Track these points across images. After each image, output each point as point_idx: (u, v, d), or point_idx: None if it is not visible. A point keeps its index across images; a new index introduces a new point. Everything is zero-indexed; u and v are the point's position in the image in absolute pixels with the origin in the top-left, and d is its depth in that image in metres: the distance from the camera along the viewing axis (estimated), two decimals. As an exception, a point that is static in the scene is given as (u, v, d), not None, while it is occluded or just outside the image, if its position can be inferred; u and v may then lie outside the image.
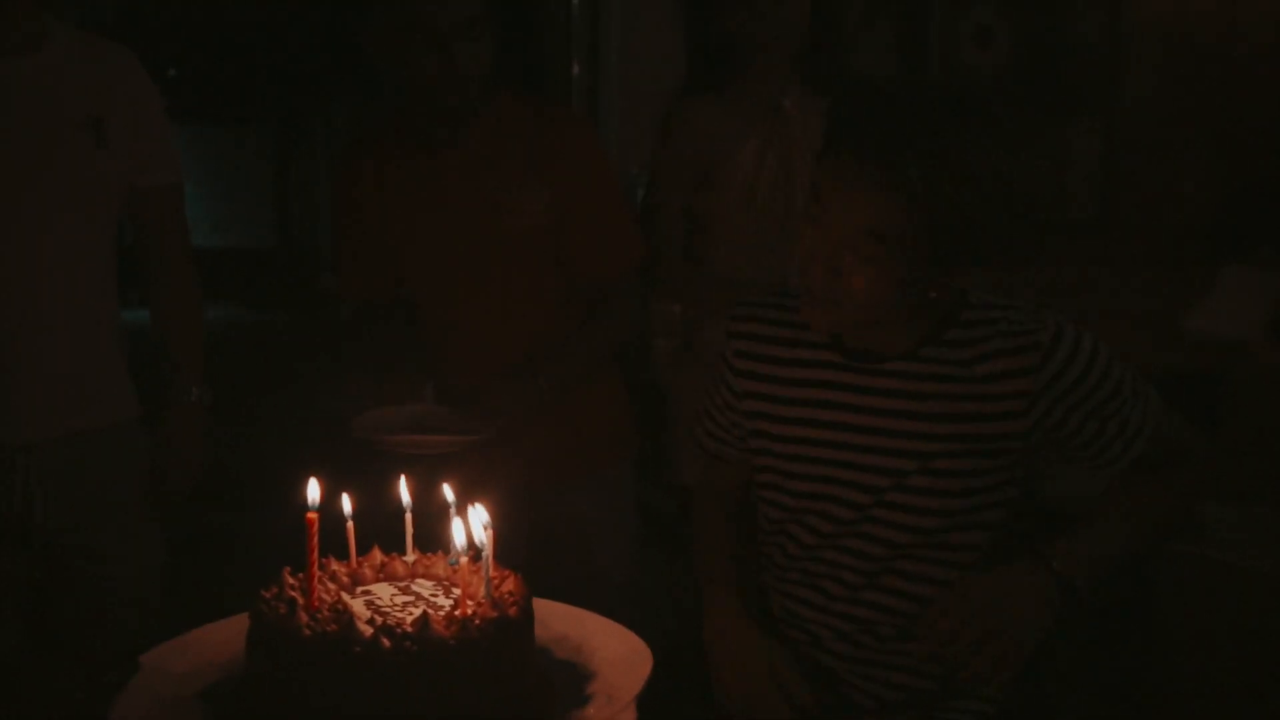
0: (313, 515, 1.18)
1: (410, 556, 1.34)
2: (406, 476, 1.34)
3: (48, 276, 1.96)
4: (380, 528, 1.39)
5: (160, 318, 2.16)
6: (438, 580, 1.32)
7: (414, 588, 1.30)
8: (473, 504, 1.25)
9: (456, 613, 1.18)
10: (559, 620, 1.34)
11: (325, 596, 1.23)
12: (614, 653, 1.29)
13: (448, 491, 1.30)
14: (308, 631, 1.12)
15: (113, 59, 2.04)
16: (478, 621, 1.15)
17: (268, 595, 1.19)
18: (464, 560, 1.22)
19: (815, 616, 1.61)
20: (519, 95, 2.15)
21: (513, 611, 1.19)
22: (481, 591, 1.21)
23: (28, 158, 1.92)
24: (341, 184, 2.22)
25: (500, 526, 1.24)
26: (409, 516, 1.35)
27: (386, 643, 1.11)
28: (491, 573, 1.22)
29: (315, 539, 1.18)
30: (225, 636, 1.27)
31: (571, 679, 1.26)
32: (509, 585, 1.24)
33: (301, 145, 5.26)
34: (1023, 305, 1.54)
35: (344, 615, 1.14)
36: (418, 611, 1.21)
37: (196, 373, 2.15)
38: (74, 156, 1.95)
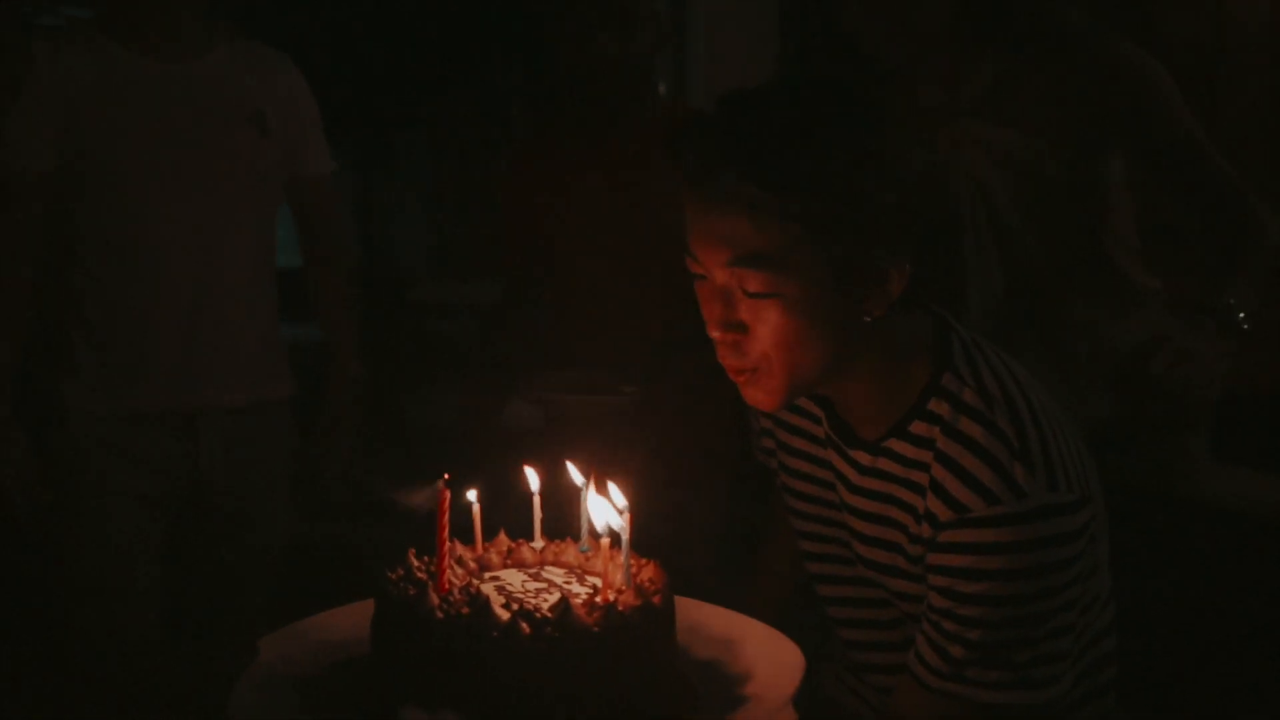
0: (445, 491, 1.09)
1: (538, 543, 1.26)
2: (532, 465, 1.25)
3: (224, 256, 2.08)
4: (500, 519, 1.30)
5: (320, 298, 2.30)
6: (569, 568, 1.23)
7: (545, 574, 1.21)
8: (604, 489, 1.16)
9: (598, 599, 1.08)
10: (698, 615, 1.25)
11: (454, 580, 1.14)
12: (761, 651, 1.19)
13: (575, 475, 1.21)
14: (440, 615, 1.04)
15: (270, 59, 2.19)
16: (621, 608, 1.06)
17: (394, 577, 1.11)
18: (604, 543, 1.13)
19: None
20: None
21: (656, 600, 1.09)
22: (620, 578, 1.11)
23: (205, 147, 2.07)
24: (512, 181, 2.38)
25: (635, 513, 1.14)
26: (537, 500, 1.26)
27: (526, 628, 1.02)
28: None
29: (446, 515, 1.09)
30: (343, 622, 1.20)
31: (717, 678, 1.16)
32: (648, 573, 1.15)
33: (386, 160, 5.24)
34: (1011, 430, 1.17)
35: (478, 598, 1.05)
36: (553, 598, 1.12)
37: (354, 349, 2.29)
38: (242, 146, 2.10)
